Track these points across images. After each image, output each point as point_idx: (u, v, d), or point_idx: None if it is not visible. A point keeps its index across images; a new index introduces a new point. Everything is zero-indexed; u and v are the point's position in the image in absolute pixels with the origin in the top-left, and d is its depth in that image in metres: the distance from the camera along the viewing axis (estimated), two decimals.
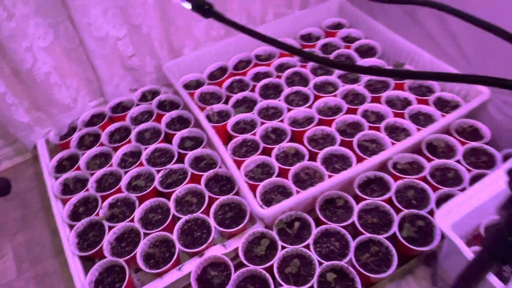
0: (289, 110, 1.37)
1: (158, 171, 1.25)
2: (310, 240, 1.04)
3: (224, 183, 1.23)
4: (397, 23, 1.51)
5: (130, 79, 1.53)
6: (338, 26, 1.73)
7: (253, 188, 1.14)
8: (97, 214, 1.16)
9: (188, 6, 0.49)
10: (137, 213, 1.15)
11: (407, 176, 1.15)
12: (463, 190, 1.09)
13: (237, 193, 1.18)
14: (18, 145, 1.49)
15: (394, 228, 1.05)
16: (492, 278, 0.80)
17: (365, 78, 1.47)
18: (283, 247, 1.04)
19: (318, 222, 1.09)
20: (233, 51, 1.61)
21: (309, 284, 0.97)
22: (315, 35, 1.71)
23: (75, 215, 1.19)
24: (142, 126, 1.40)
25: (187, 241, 1.09)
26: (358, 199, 1.14)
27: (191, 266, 1.04)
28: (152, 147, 1.32)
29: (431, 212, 1.07)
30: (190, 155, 1.28)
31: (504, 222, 0.46)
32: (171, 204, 1.16)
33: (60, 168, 1.33)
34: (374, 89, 1.43)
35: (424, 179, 1.16)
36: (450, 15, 0.48)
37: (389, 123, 1.30)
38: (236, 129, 1.36)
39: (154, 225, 1.14)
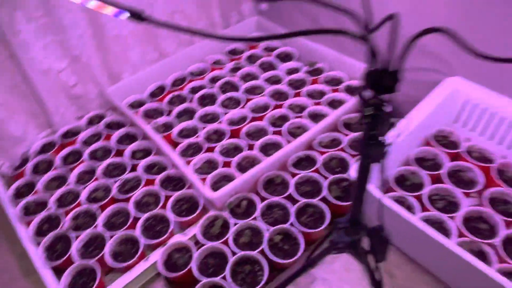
0: (225, 113, 1.57)
1: (115, 182, 1.37)
2: (257, 213, 1.22)
3: (176, 182, 1.37)
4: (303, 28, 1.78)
5: (75, 107, 1.64)
6: (260, 39, 1.98)
7: (203, 182, 1.30)
8: (61, 228, 1.25)
9: (124, 16, 0.66)
10: (100, 219, 1.26)
11: (330, 150, 1.37)
12: None
13: (189, 188, 1.33)
14: None
15: (324, 192, 1.25)
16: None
17: (286, 78, 1.70)
18: (235, 224, 1.21)
19: (262, 200, 1.27)
20: (169, 71, 1.78)
21: (260, 248, 1.14)
22: (240, 49, 1.95)
23: (40, 233, 1.27)
24: (93, 146, 1.51)
25: (150, 235, 1.22)
26: (293, 176, 1.34)
27: (156, 256, 1.17)
28: (106, 162, 1.44)
29: None
30: (142, 163, 1.42)
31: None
32: (130, 206, 1.28)
33: (18, 195, 1.40)
34: (295, 87, 1.67)
35: (343, 150, 1.39)
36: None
37: (310, 111, 1.54)
38: (181, 136, 1.52)
39: (118, 227, 1.25)
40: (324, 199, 1.25)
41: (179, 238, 1.21)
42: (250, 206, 1.27)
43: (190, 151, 1.46)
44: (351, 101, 1.49)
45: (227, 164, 1.38)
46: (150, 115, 1.64)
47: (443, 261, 1.07)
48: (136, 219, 1.26)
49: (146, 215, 1.25)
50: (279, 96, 1.65)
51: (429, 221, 1.16)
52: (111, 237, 1.21)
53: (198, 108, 1.61)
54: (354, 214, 0.80)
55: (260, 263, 1.11)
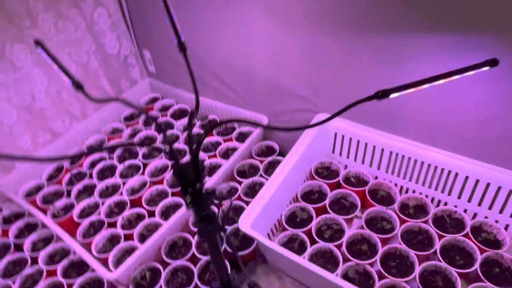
0: (124, 183, 1.59)
1: (14, 283, 1.32)
2: (161, 282, 1.24)
3: (81, 267, 1.36)
4: (201, 91, 1.87)
5: None
6: (154, 100, 2.04)
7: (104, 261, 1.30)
8: None
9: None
10: None
11: (227, 201, 1.44)
12: None
13: (93, 271, 1.32)
14: None
15: (224, 245, 1.31)
16: None
17: (182, 137, 1.77)
18: None
19: (166, 266, 1.30)
20: (64, 150, 1.78)
21: None
22: (137, 113, 1.99)
23: None
24: None
25: None
26: (194, 235, 1.38)
27: None
28: (3, 262, 1.39)
29: None
30: (43, 254, 1.39)
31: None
32: None
33: None
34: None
35: (240, 198, 1.46)
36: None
37: (206, 165, 1.61)
38: (82, 216, 1.51)
39: None
40: (226, 252, 1.30)
41: None
42: (155, 275, 1.29)
43: (92, 230, 1.46)
44: (242, 148, 1.58)
45: (130, 237, 1.39)
46: (49, 200, 1.61)
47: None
48: None
49: None
50: (178, 154, 1.70)
51: (319, 252, 1.26)
52: None
53: (97, 183, 1.61)
54: (222, 277, 0.86)
55: None
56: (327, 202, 1.35)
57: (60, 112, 1.76)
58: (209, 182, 1.47)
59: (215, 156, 1.64)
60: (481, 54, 1.01)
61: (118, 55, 1.90)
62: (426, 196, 1.33)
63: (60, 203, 1.57)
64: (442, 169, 1.25)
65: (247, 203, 1.34)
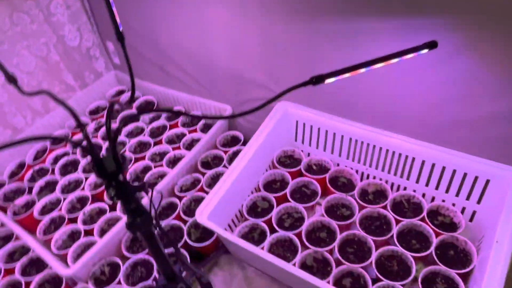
0: (87, 178, 1.56)
1: None
2: (120, 276, 1.23)
3: (41, 264, 1.34)
4: (157, 78, 1.84)
5: None
6: (120, 92, 2.01)
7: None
8: None
9: None
10: None
11: (188, 192, 1.43)
12: None
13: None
14: None
15: (185, 236, 1.30)
16: None
17: (148, 128, 1.74)
18: None
19: (125, 260, 1.28)
20: (27, 146, 1.74)
21: None
22: (103, 106, 1.95)
23: None
24: None
25: None
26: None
27: None
28: None
29: None
30: (1, 252, 1.36)
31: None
32: None
33: None
34: (156, 135, 1.71)
35: (202, 189, 1.45)
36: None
37: (170, 157, 1.59)
38: (44, 212, 1.48)
39: None
40: (186, 244, 1.29)
41: None
42: (114, 270, 1.27)
43: (53, 227, 1.43)
44: (205, 138, 1.56)
45: (91, 232, 1.37)
46: (10, 197, 1.58)
47: (293, 279, 1.16)
48: None
49: None
50: (142, 147, 1.68)
51: (279, 241, 1.25)
52: None
53: (59, 178, 1.58)
54: (165, 271, 0.85)
55: None
56: (288, 190, 1.34)
57: (20, 108, 1.72)
58: (172, 174, 1.45)
59: (179, 148, 1.61)
60: (433, 36, 1.00)
61: (79, 47, 1.86)
62: (386, 181, 1.33)
63: (21, 200, 1.53)
64: (400, 154, 1.25)
65: None
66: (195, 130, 1.68)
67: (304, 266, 1.18)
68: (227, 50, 1.45)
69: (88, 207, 1.45)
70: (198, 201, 1.42)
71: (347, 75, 0.73)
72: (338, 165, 1.42)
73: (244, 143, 1.59)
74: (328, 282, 1.09)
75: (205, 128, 1.68)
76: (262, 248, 1.18)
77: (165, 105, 1.86)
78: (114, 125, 1.80)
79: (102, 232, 1.37)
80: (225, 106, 1.65)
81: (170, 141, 1.67)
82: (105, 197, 1.48)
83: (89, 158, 1.58)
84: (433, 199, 1.27)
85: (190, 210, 1.40)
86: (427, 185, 1.25)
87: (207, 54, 1.53)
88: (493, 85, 0.99)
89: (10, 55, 1.62)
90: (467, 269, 1.06)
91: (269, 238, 1.23)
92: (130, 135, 1.75)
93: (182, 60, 1.65)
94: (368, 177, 1.38)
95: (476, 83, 1.01)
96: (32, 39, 1.68)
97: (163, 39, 1.62)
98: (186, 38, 1.54)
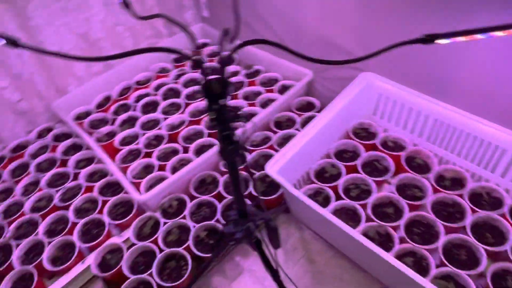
0: (165, 119, 1.65)
1: (57, 192, 1.44)
2: (186, 212, 1.30)
3: (116, 188, 1.45)
4: (245, 35, 1.86)
5: (24, 122, 1.71)
6: (204, 45, 2.06)
7: (138, 186, 1.38)
8: (4, 238, 1.33)
9: (1, 43, 0.73)
10: (41, 227, 1.33)
11: (258, 148, 1.45)
12: None
13: (126, 193, 1.41)
14: None
15: (250, 188, 1.33)
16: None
17: None
18: (165, 223, 1.28)
19: (193, 199, 1.35)
20: (115, 81, 1.86)
21: (186, 244, 1.21)
22: (185, 56, 2.02)
23: None
24: (39, 158, 1.58)
25: (87, 239, 1.30)
26: (223, 175, 1.41)
27: (91, 258, 1.25)
28: (49, 173, 1.52)
29: None
30: (84, 171, 1.50)
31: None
32: (70, 213, 1.36)
33: None
34: (234, 89, 1.75)
35: (271, 147, 1.47)
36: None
37: (245, 112, 1.62)
38: (123, 144, 1.60)
39: (58, 233, 1.32)
40: (250, 195, 1.33)
41: (115, 240, 1.29)
42: (181, 206, 1.34)
43: (130, 157, 1.54)
44: (281, 100, 1.57)
45: (163, 168, 1.46)
46: (95, 125, 1.71)
47: (352, 246, 1.16)
48: (75, 225, 1.33)
49: (83, 220, 1.33)
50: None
51: (343, 209, 1.24)
52: (49, 243, 1.28)
53: (140, 115, 1.69)
54: (239, 206, 0.88)
55: (185, 258, 1.19)
56: (359, 162, 1.32)
57: (114, 45, 1.83)
58: (245, 129, 1.49)
59: (253, 105, 1.64)
60: None
61: None
62: (467, 170, 1.25)
63: (104, 129, 1.66)
64: (489, 143, 1.17)
65: None
66: (271, 91, 1.70)
67: (365, 236, 1.16)
68: (321, 12, 1.42)
69: (164, 146, 1.54)
70: (266, 157, 1.44)
71: (462, 38, 0.68)
72: (415, 145, 1.36)
73: (319, 111, 1.57)
74: None
75: (282, 90, 1.69)
76: None
77: (245, 62, 1.89)
78: (196, 74, 1.86)
79: (174, 170, 1.45)
80: (305, 70, 1.63)
81: (246, 97, 1.70)
82: (179, 138, 1.55)
83: (169, 101, 1.66)
84: None
85: (257, 164, 1.43)
86: None
87: (298, 16, 1.51)
88: None
89: None
90: None
91: (334, 204, 1.23)
92: None
93: (271, 19, 1.64)
94: (447, 162, 1.31)
95: None
96: None
97: None
98: None
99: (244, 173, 1.39)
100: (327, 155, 1.40)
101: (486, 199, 1.19)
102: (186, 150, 1.51)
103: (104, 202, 1.38)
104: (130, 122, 1.70)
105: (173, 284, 1.13)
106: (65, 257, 1.27)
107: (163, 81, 1.87)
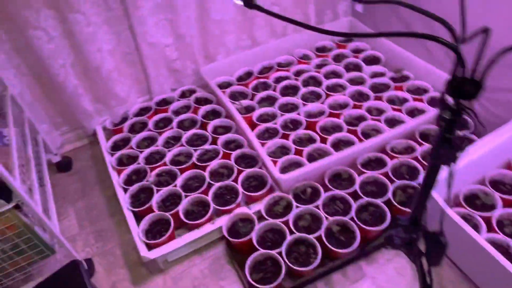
0: (304, 105, 1.65)
1: (196, 151, 1.52)
2: (319, 202, 1.29)
3: (249, 161, 1.49)
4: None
5: (172, 80, 1.83)
6: (348, 40, 2.02)
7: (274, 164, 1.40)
8: (146, 181, 1.44)
9: (240, 2, 0.77)
10: (179, 181, 1.42)
11: (401, 156, 1.39)
12: None
13: (260, 168, 1.44)
14: (78, 131, 1.79)
15: (389, 195, 1.28)
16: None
17: (369, 81, 1.73)
18: (297, 207, 1.29)
19: (326, 191, 1.33)
20: (258, 58, 1.91)
21: (317, 233, 1.20)
22: (328, 47, 2.00)
23: (128, 182, 1.47)
24: (182, 116, 1.69)
25: (219, 202, 1.35)
26: (360, 175, 1.37)
27: (222, 221, 1.30)
28: (190, 132, 1.61)
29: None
30: (222, 138, 1.56)
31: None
32: (206, 174, 1.42)
33: (115, 147, 1.62)
34: (377, 90, 1.69)
35: (416, 159, 1.39)
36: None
37: (388, 116, 1.55)
38: (260, 120, 1.63)
39: (193, 190, 1.40)
40: (387, 202, 1.27)
41: (244, 210, 1.33)
42: (315, 194, 1.34)
43: (266, 135, 1.57)
44: (432, 112, 1.48)
45: (298, 153, 1.46)
46: (235, 96, 1.77)
47: (504, 285, 1.05)
48: (209, 186, 1.40)
49: (218, 184, 1.38)
50: (360, 97, 1.68)
51: (493, 244, 1.13)
52: (186, 197, 1.36)
53: (279, 97, 1.71)
54: (415, 213, 0.84)
55: (315, 247, 1.18)
56: None
57: (266, 24, 1.87)
58: (388, 132, 1.43)
59: (399, 110, 1.57)
60: None
61: None
62: None
63: (244, 102, 1.71)
64: None
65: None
66: (419, 100, 1.61)
67: None
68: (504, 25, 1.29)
69: (301, 131, 1.54)
70: (408, 166, 1.37)
71: None
72: None
73: (472, 133, 1.45)
74: None
75: (432, 102, 1.59)
76: None
77: (392, 64, 1.81)
78: (338, 67, 1.83)
79: (310, 157, 1.45)
80: None
81: (391, 101, 1.63)
82: (317, 127, 1.54)
83: (310, 89, 1.65)
84: None
85: (397, 172, 1.37)
86: None
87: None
88: None
89: None
90: None
91: (485, 235, 1.13)
92: (351, 82, 1.76)
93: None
94: None
95: None
96: None
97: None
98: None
99: (382, 177, 1.34)
100: (481, 181, 1.29)
101: None
102: (323, 140, 1.50)
103: (239, 171, 1.42)
104: (268, 100, 1.73)
105: (301, 268, 1.13)
106: (198, 213, 1.34)
107: (304, 67, 1.87)
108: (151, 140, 1.62)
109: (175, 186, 1.41)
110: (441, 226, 0.84)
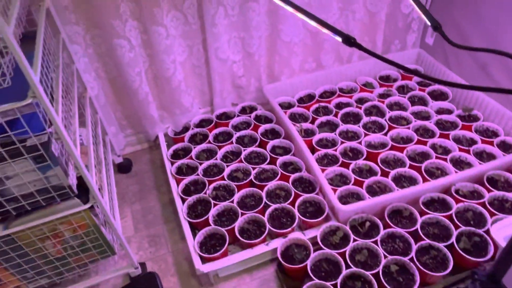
0: (366, 135, 1.62)
1: (254, 168, 1.54)
2: (378, 238, 1.26)
3: (306, 185, 1.49)
4: (469, 73, 1.73)
5: (235, 95, 1.87)
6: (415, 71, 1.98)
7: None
8: (204, 194, 1.46)
9: (339, 39, 0.78)
10: (236, 197, 1.44)
11: (468, 200, 1.33)
12: None
13: (317, 195, 1.43)
14: (140, 135, 1.86)
15: (453, 239, 1.23)
16: None
17: (435, 117, 1.68)
18: (354, 240, 1.26)
19: (385, 227, 1.30)
20: (320, 82, 1.91)
21: (374, 271, 1.17)
22: (393, 77, 1.97)
23: (186, 192, 1.50)
24: (242, 132, 1.71)
25: (274, 224, 1.35)
26: (422, 215, 1.33)
27: (276, 244, 1.30)
28: (250, 149, 1.63)
29: (487, 232, 1.24)
30: (281, 159, 1.57)
31: None
32: (263, 194, 1.43)
33: (175, 155, 1.67)
34: (443, 127, 1.64)
35: (483, 205, 1.33)
36: None
37: (455, 156, 1.50)
38: (319, 145, 1.63)
39: (249, 208, 1.41)
40: (450, 247, 1.22)
41: (299, 236, 1.32)
42: (372, 228, 1.31)
43: (325, 161, 1.56)
44: (504, 158, 1.42)
45: (357, 183, 1.44)
46: (295, 118, 1.78)
47: None
48: (266, 206, 1.40)
49: (275, 206, 1.39)
50: (424, 132, 1.64)
51: None
52: (242, 214, 1.37)
53: (340, 124, 1.70)
54: (495, 270, 0.80)
55: (372, 285, 1.15)
56: None
57: (332, 50, 1.87)
58: (456, 176, 1.38)
59: (467, 152, 1.51)
60: None
61: (408, 15, 1.88)
62: None
63: (304, 124, 1.71)
64: None
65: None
66: (488, 142, 1.54)
67: None
68: None
69: (361, 161, 1.52)
70: (474, 211, 1.32)
71: None
72: None
73: None
74: None
75: (503, 147, 1.52)
76: None
77: (459, 101, 1.76)
78: (401, 99, 1.80)
79: (369, 188, 1.42)
80: None
81: (458, 140, 1.58)
82: (379, 159, 1.51)
83: (372, 118, 1.63)
84: None
85: (462, 217, 1.32)
86: None
87: None
88: None
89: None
90: None
91: None
92: (415, 115, 1.72)
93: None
94: None
95: None
96: None
97: (502, 41, 1.47)
98: None
99: (446, 220, 1.29)
100: None
101: None
102: (383, 173, 1.47)
103: (296, 195, 1.42)
104: (328, 125, 1.72)
105: None
106: (252, 232, 1.34)
107: (366, 95, 1.86)
108: (210, 153, 1.66)
109: (232, 202, 1.42)
110: None
